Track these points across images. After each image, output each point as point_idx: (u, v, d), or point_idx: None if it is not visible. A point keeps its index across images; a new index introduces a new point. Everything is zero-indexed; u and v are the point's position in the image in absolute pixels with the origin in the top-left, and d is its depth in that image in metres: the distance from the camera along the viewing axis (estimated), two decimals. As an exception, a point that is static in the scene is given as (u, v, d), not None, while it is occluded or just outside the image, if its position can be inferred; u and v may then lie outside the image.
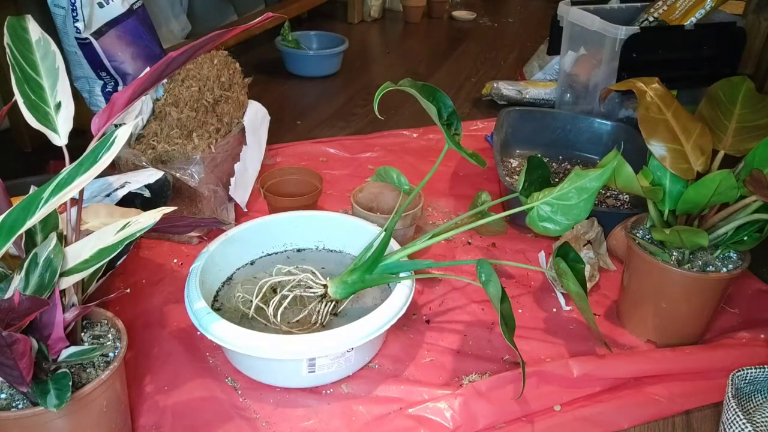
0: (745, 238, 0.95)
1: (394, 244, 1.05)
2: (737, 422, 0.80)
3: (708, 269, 0.97)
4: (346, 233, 1.17)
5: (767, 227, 0.94)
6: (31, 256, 0.70)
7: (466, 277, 1.04)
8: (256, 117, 1.44)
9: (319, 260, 1.17)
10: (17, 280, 0.69)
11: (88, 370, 0.75)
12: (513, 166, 1.56)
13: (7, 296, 0.69)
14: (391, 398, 0.93)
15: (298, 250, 1.19)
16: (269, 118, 1.50)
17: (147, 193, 1.14)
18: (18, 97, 0.76)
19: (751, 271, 1.20)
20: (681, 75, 1.59)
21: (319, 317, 0.99)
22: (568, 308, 1.12)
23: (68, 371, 0.69)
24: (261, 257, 1.17)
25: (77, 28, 1.39)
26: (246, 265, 1.15)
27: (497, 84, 1.96)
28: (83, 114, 1.06)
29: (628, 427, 0.91)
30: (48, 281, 0.69)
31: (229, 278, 1.11)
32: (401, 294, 0.95)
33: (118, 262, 1.00)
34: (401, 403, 0.92)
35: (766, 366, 0.88)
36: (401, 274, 0.98)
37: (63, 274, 0.71)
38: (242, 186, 1.37)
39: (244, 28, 0.81)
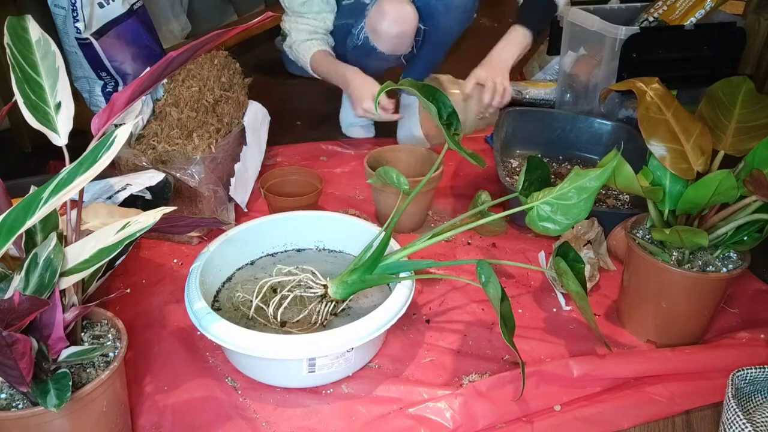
0: (745, 238, 0.95)
1: (394, 244, 1.05)
2: (737, 422, 0.80)
3: (708, 269, 0.97)
4: (346, 233, 1.17)
5: (767, 227, 0.94)
6: (31, 256, 0.70)
7: (466, 277, 1.04)
8: (256, 117, 1.44)
9: (319, 260, 1.17)
10: (17, 280, 0.69)
11: (88, 370, 0.75)
12: (513, 166, 1.56)
13: (7, 296, 0.69)
14: (391, 398, 0.93)
15: (298, 250, 1.19)
16: (269, 118, 1.50)
17: (148, 195, 1.14)
18: (18, 97, 0.76)
19: (751, 271, 1.20)
20: (681, 75, 1.59)
21: (319, 317, 0.99)
22: (568, 308, 1.12)
23: (68, 371, 0.69)
24: (261, 257, 1.17)
25: (77, 29, 1.39)
26: (246, 265, 1.15)
27: (497, 84, 1.96)
28: (83, 114, 1.07)
29: (628, 427, 0.91)
30: (48, 281, 0.69)
31: (229, 278, 1.11)
32: (401, 294, 0.95)
33: (117, 262, 1.00)
34: (401, 403, 0.92)
35: (766, 366, 0.88)
36: (401, 274, 0.98)
37: (63, 274, 0.71)
38: (242, 186, 1.37)
39: (244, 28, 0.81)
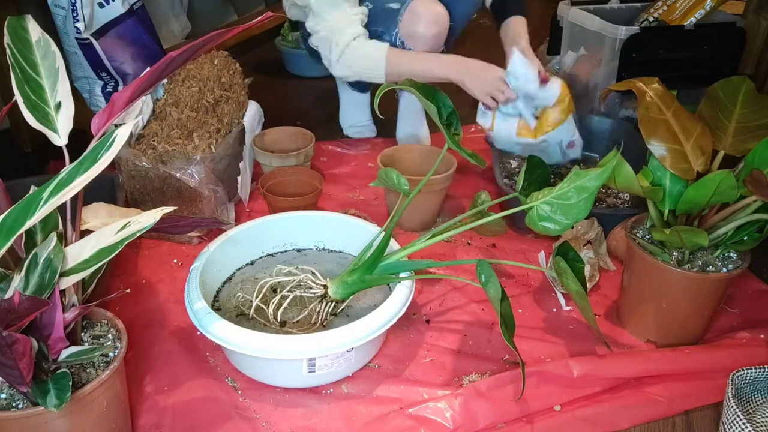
0: (745, 238, 0.95)
1: (394, 244, 1.05)
2: (737, 422, 0.80)
3: (708, 269, 0.97)
4: (346, 233, 1.17)
5: (767, 227, 0.94)
6: (31, 256, 0.70)
7: (466, 277, 1.04)
8: (254, 117, 1.45)
9: (319, 260, 1.17)
10: (17, 280, 0.69)
11: (88, 370, 0.75)
12: (513, 166, 1.56)
13: (7, 296, 0.69)
14: (391, 398, 0.93)
15: (298, 250, 1.19)
16: (263, 120, 1.50)
17: None
18: (18, 98, 0.76)
19: (751, 271, 1.20)
20: (681, 75, 1.59)
21: (319, 317, 0.99)
22: (568, 308, 1.12)
23: (68, 371, 0.69)
24: (261, 257, 1.17)
25: (77, 29, 1.39)
26: (246, 265, 1.15)
27: (497, 84, 1.96)
28: (83, 114, 1.07)
29: (628, 427, 0.91)
30: (48, 281, 0.69)
31: (229, 278, 1.11)
32: (401, 294, 0.95)
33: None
34: (401, 403, 0.92)
35: (766, 366, 0.88)
36: (401, 274, 0.98)
37: (63, 274, 0.71)
38: (245, 185, 1.38)
39: (244, 28, 0.81)
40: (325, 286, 0.98)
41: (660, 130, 0.95)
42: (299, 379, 0.92)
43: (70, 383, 0.67)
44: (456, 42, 1.57)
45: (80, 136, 0.85)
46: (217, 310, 1.03)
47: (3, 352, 0.62)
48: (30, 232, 0.75)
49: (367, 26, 1.42)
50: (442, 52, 1.48)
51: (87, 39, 1.41)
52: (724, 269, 0.96)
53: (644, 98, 0.97)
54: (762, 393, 0.90)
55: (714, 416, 0.94)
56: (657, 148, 0.94)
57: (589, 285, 1.14)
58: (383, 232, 1.02)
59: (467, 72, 1.34)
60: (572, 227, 1.13)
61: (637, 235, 1.03)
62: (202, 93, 1.34)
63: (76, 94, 1.48)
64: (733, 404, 0.81)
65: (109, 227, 0.72)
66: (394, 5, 1.41)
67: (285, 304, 0.98)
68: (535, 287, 1.18)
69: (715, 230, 0.95)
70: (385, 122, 1.73)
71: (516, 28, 1.44)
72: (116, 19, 1.44)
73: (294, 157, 1.40)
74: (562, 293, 1.15)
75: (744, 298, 1.16)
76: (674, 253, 0.99)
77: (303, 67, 2.17)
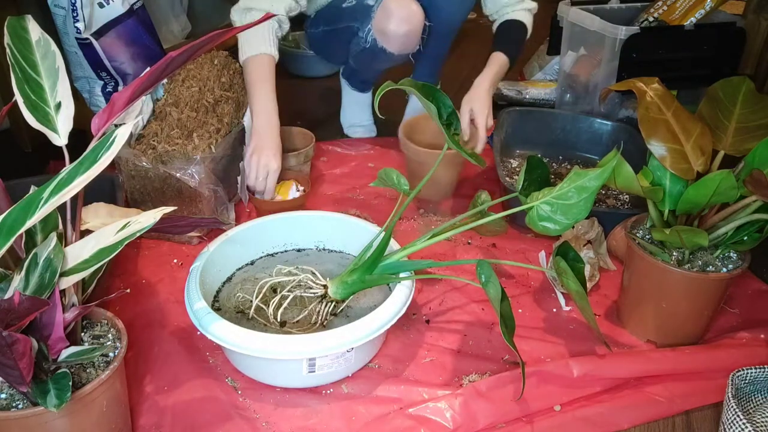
0: (745, 238, 0.95)
1: (394, 244, 1.05)
2: (737, 422, 0.80)
3: (708, 269, 0.97)
4: (346, 233, 1.17)
5: (767, 227, 0.94)
6: (31, 256, 0.70)
7: (466, 277, 1.04)
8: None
9: (319, 260, 1.17)
10: (17, 280, 0.69)
11: (88, 370, 0.75)
12: (513, 166, 1.56)
13: (7, 296, 0.69)
14: (391, 398, 0.93)
15: (299, 250, 1.19)
16: None
17: None
18: (18, 97, 0.76)
19: (751, 271, 1.20)
20: (681, 75, 1.59)
21: (319, 317, 0.99)
22: (568, 308, 1.12)
23: (68, 371, 0.69)
24: (261, 257, 1.17)
25: (77, 29, 1.39)
26: (246, 265, 1.15)
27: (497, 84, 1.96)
28: (83, 114, 1.07)
29: (628, 427, 0.91)
30: (48, 281, 0.69)
31: (229, 278, 1.11)
32: (401, 294, 0.95)
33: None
34: (401, 403, 0.92)
35: (766, 366, 0.88)
36: (401, 274, 0.98)
37: (63, 274, 0.71)
38: (245, 185, 1.38)
39: (244, 28, 0.81)
40: (325, 286, 0.98)
41: (660, 130, 0.95)
42: (299, 379, 0.92)
43: (70, 383, 0.67)
44: (455, 41, 1.57)
45: (80, 136, 0.85)
46: (217, 310, 1.03)
47: (3, 352, 0.62)
48: (30, 232, 0.75)
49: (340, 23, 1.43)
50: (418, 51, 1.46)
51: (87, 39, 1.41)
52: (724, 269, 0.96)
53: (644, 98, 0.97)
54: (762, 393, 0.90)
55: (714, 416, 0.94)
56: (657, 148, 0.94)
57: (589, 285, 1.14)
58: (383, 232, 1.02)
59: (257, 138, 1.28)
60: (572, 227, 1.13)
61: (637, 235, 1.03)
62: (202, 93, 1.34)
63: (76, 94, 1.48)
64: (733, 404, 0.81)
65: (109, 227, 0.72)
66: (370, 1, 1.40)
67: (285, 304, 0.98)
68: (535, 287, 1.18)
69: (715, 230, 0.95)
70: (385, 122, 1.73)
71: (483, 74, 1.40)
72: (116, 19, 1.44)
73: (294, 157, 1.40)
74: (562, 293, 1.15)
75: (744, 298, 1.16)
76: (674, 253, 0.99)
77: (303, 67, 2.17)
